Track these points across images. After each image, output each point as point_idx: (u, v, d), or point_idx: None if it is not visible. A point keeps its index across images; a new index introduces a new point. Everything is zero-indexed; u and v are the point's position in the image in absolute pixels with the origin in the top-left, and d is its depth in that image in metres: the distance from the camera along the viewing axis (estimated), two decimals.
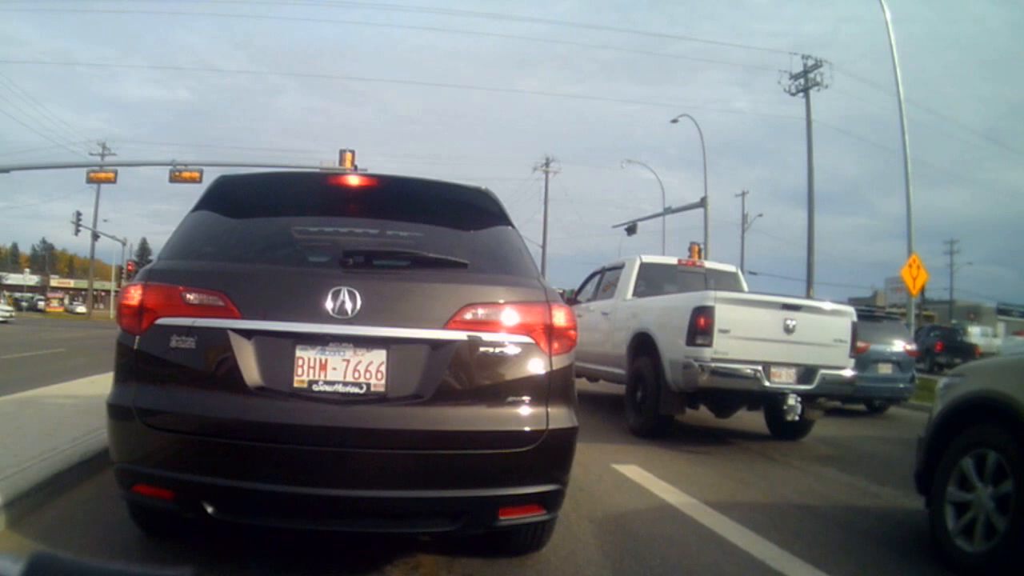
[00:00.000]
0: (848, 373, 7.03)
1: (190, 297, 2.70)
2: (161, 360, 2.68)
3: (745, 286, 9.48)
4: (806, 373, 6.79)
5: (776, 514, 4.43)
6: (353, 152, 21.23)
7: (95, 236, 47.52)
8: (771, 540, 3.76)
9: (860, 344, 7.83)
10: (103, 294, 66.64)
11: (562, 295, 4.73)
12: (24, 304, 56.46)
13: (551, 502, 2.85)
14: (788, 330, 6.71)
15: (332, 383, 2.62)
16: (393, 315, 2.69)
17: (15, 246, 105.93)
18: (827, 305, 7.39)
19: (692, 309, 6.72)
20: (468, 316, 2.73)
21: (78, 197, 63.27)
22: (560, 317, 2.85)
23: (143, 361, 2.71)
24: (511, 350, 2.76)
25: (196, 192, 3.61)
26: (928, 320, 39.48)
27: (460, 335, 2.71)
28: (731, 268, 9.91)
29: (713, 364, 6.54)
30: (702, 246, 19.36)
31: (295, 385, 2.61)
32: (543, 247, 48.51)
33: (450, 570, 3.05)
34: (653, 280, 8.90)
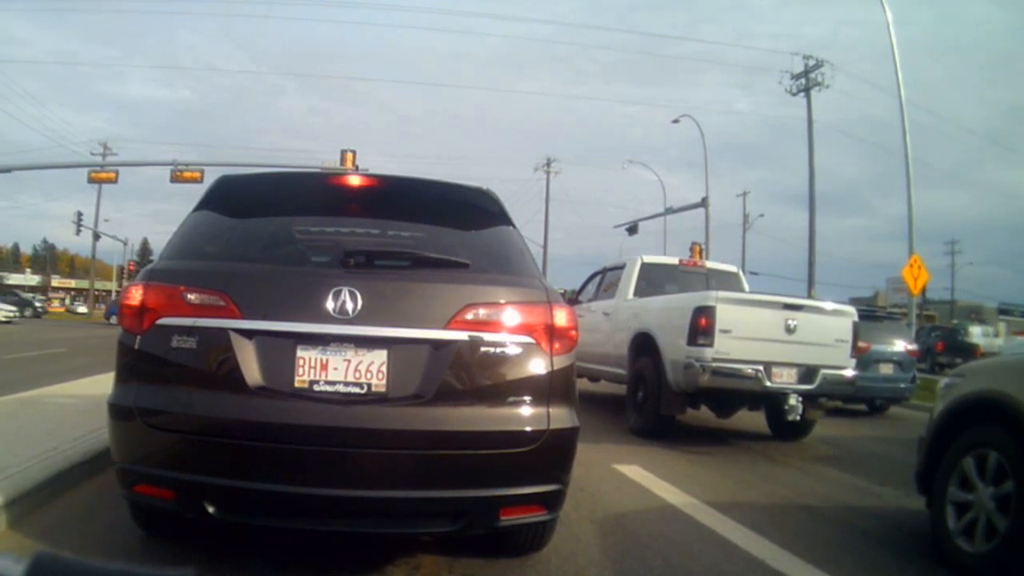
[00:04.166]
0: (849, 373, 7.03)
1: (191, 297, 2.70)
2: (162, 360, 2.68)
3: (746, 286, 9.48)
4: (807, 373, 6.79)
5: (777, 514, 4.44)
6: (354, 152, 21.23)
7: (96, 236, 47.57)
8: (772, 540, 3.76)
9: (861, 344, 7.83)
10: (104, 294, 66.66)
11: (563, 295, 4.72)
12: None
13: (552, 502, 2.85)
14: (789, 330, 6.71)
15: (333, 383, 2.62)
16: (394, 315, 2.69)
17: (16, 246, 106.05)
18: (828, 305, 7.40)
19: (693, 309, 6.72)
20: (469, 316, 2.73)
21: (79, 197, 63.05)
22: (561, 317, 2.85)
23: (144, 361, 2.71)
24: (512, 350, 2.76)
25: (197, 192, 3.61)
26: (929, 320, 39.45)
27: (461, 335, 2.71)
28: (732, 268, 9.91)
29: (714, 364, 6.54)
30: (703, 246, 19.37)
31: (296, 385, 2.61)
32: (544, 247, 48.51)
33: (451, 570, 3.05)
34: (654, 280, 8.90)
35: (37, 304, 47.64)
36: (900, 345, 11.08)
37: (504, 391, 2.73)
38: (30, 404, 6.11)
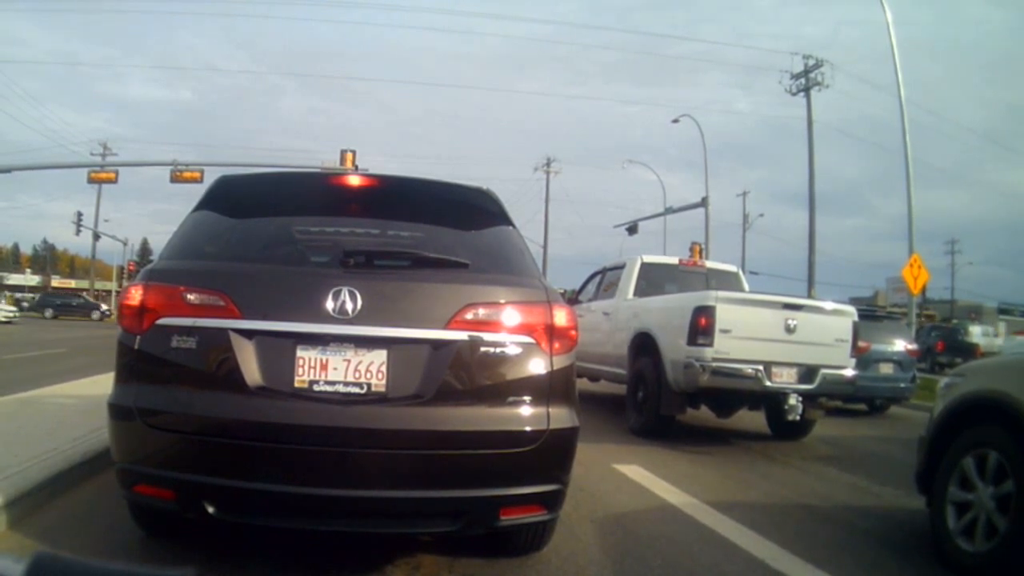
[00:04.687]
0: (849, 373, 7.03)
1: (191, 297, 2.70)
2: (162, 360, 2.68)
3: (746, 286, 9.48)
4: (807, 373, 6.79)
5: (777, 514, 4.44)
6: (354, 152, 21.21)
7: (96, 236, 47.55)
8: (772, 540, 3.76)
9: (861, 344, 7.83)
10: (104, 294, 66.64)
11: (563, 295, 4.72)
12: (25, 304, 56.41)
13: (552, 502, 2.85)
14: (789, 330, 6.71)
15: (333, 383, 2.62)
16: (394, 315, 2.70)
17: (16, 246, 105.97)
18: (828, 305, 7.41)
19: (693, 309, 6.72)
20: (469, 316, 2.73)
21: (79, 197, 63.24)
22: (561, 317, 2.85)
23: (144, 361, 2.71)
24: (512, 350, 2.76)
25: (197, 192, 3.62)
26: (929, 320, 39.45)
27: (461, 335, 2.71)
28: (732, 268, 9.92)
29: (714, 364, 6.54)
30: (703, 246, 19.36)
31: (296, 385, 2.61)
32: (544, 247, 48.52)
33: (451, 570, 3.05)
34: (654, 280, 8.90)
35: (103, 308, 45.57)
36: (900, 345, 11.08)
37: (504, 391, 2.73)
38: (30, 404, 6.11)
